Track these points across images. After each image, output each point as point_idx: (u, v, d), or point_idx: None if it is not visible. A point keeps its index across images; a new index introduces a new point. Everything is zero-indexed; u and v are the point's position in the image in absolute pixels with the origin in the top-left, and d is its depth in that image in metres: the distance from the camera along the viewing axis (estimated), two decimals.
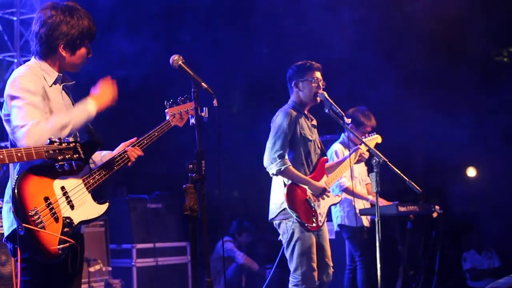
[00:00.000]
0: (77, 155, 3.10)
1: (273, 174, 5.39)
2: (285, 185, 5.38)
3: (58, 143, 3.07)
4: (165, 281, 8.04)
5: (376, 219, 5.35)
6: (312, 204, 5.43)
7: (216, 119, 3.68)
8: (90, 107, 3.54)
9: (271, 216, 5.48)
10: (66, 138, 3.12)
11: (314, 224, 5.40)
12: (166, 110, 4.01)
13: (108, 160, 3.68)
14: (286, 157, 5.39)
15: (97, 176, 3.59)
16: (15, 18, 8.14)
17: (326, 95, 5.51)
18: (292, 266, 5.37)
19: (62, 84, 3.64)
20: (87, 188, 3.54)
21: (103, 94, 3.64)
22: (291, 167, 5.35)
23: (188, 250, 8.29)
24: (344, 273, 7.16)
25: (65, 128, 3.38)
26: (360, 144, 6.03)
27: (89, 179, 3.56)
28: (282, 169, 5.33)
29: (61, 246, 3.33)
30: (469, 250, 9.96)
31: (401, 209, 6.68)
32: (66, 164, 3.08)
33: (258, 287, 9.03)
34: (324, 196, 5.47)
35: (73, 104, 3.69)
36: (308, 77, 5.53)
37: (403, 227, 7.28)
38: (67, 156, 3.07)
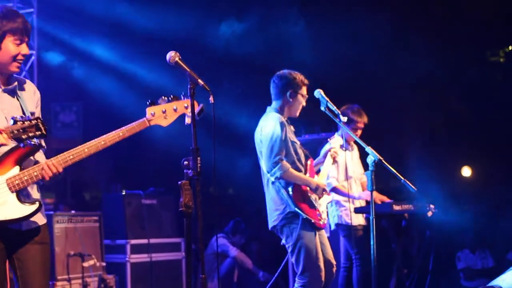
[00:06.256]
0: (40, 132, 3.17)
1: (277, 177, 5.33)
2: (284, 189, 5.35)
3: (21, 121, 3.13)
4: (159, 277, 8.03)
5: (371, 218, 5.35)
6: (315, 203, 5.43)
7: (213, 115, 3.68)
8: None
9: (272, 223, 5.42)
10: (28, 116, 3.17)
11: (321, 222, 5.41)
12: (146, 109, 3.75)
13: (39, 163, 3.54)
14: (285, 160, 5.35)
15: (24, 178, 3.48)
16: None
17: (322, 93, 5.49)
18: (299, 268, 5.34)
19: (4, 88, 3.61)
20: (10, 188, 3.45)
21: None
22: (291, 169, 5.33)
23: (183, 246, 8.29)
24: (338, 271, 7.15)
25: None
26: (354, 142, 6.00)
27: (13, 179, 3.46)
28: (286, 171, 5.29)
29: None
30: (463, 250, 9.96)
31: (396, 207, 6.69)
32: (29, 142, 3.14)
33: (249, 283, 9.02)
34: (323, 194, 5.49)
35: (21, 107, 3.59)
36: (303, 92, 5.53)
37: (397, 226, 7.29)
38: (30, 134, 3.14)
